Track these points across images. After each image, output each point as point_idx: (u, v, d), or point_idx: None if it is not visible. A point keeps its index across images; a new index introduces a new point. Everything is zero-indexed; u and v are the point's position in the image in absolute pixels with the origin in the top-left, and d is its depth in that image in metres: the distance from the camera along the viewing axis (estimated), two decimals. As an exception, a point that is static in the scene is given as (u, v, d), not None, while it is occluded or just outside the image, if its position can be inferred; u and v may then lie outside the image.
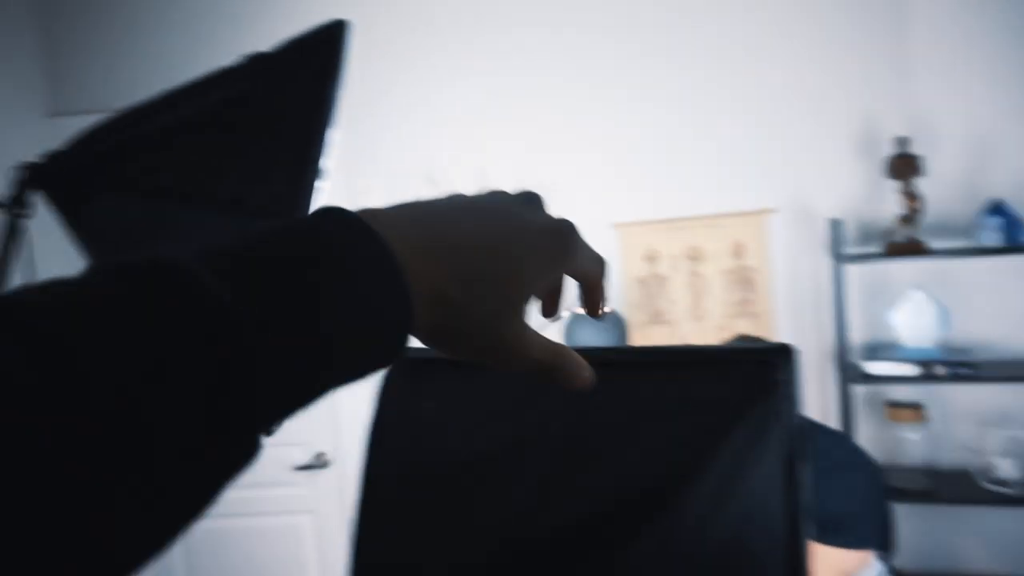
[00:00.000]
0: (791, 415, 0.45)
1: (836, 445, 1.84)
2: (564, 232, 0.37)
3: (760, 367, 0.47)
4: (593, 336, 2.07)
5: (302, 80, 1.18)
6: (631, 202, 2.49)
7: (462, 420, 0.75)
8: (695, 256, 2.49)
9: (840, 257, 2.26)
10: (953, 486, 2.33)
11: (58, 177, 1.15)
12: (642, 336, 2.47)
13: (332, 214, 0.30)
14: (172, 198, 1.17)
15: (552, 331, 2.36)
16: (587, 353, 0.39)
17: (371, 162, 2.52)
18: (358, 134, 2.50)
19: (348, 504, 2.60)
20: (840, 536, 1.65)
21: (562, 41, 2.48)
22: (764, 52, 2.42)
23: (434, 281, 0.32)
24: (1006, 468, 2.28)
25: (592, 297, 0.41)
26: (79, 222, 1.15)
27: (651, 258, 2.50)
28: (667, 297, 2.51)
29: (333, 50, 1.14)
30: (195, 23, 2.51)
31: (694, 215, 2.47)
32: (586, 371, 0.38)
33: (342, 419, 2.58)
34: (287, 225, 0.29)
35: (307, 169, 1.18)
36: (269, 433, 0.26)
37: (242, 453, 0.25)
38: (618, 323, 2.16)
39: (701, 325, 2.50)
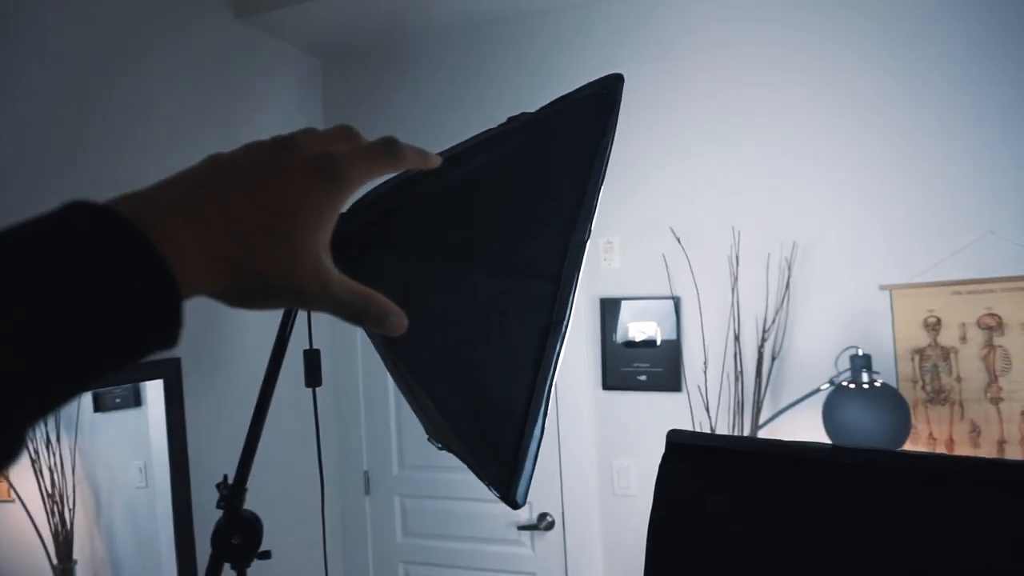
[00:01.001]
0: None
1: None
2: (324, 164, 0.38)
3: None
4: (861, 413, 1.79)
5: (574, 137, 1.14)
6: (902, 262, 2.17)
7: (757, 525, 0.68)
8: (992, 325, 2.09)
9: None
10: None
11: (343, 238, 1.21)
12: (921, 418, 2.11)
13: (84, 207, 0.30)
14: (439, 257, 1.17)
15: (813, 406, 2.09)
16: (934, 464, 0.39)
17: (614, 218, 2.46)
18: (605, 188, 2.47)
19: (572, 568, 2.49)
20: None
21: (818, 97, 2.26)
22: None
23: (209, 245, 0.33)
24: None
25: (406, 165, 0.43)
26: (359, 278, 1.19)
27: (932, 326, 2.15)
28: (953, 373, 2.13)
29: (607, 105, 1.09)
30: None
31: (990, 277, 2.09)
32: (395, 316, 0.41)
33: (569, 482, 2.50)
34: (38, 221, 0.29)
35: (575, 229, 1.13)
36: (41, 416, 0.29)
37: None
38: (895, 401, 1.84)
39: (999, 408, 2.08)
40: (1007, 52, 2.09)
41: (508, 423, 1.11)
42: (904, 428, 1.76)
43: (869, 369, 1.84)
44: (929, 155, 2.16)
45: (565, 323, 1.12)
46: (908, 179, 2.17)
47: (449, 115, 2.63)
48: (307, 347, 1.23)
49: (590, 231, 1.12)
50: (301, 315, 1.27)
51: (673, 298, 2.38)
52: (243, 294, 0.37)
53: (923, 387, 2.15)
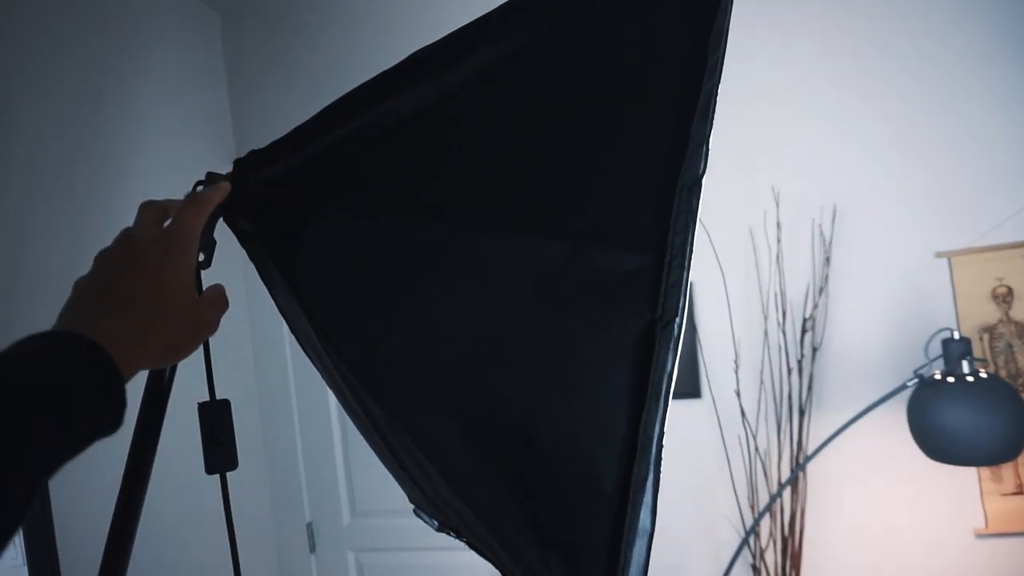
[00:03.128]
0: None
1: None
2: (160, 237, 0.53)
3: None
4: (968, 414, 1.38)
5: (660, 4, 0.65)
6: (963, 223, 1.78)
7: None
8: (1075, 292, 1.73)
9: None
10: None
11: (260, 197, 0.68)
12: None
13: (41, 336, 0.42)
14: (438, 219, 0.67)
15: (894, 409, 1.67)
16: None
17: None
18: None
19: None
20: None
21: (859, 41, 1.85)
22: None
23: (127, 331, 0.47)
24: None
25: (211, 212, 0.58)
26: (290, 265, 0.67)
27: (1004, 297, 1.77)
28: (1030, 352, 1.75)
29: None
30: (381, 52, 2.13)
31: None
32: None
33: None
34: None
35: (684, 161, 0.64)
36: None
37: None
38: (1007, 394, 1.41)
39: (1086, 391, 1.72)
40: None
41: (587, 506, 0.61)
42: (1021, 430, 1.35)
43: (971, 356, 1.42)
44: (984, 102, 1.77)
45: (679, 320, 0.63)
46: (962, 129, 1.79)
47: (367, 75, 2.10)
48: (208, 398, 0.69)
49: (706, 163, 0.64)
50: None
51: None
52: (159, 355, 0.52)
53: (997, 371, 1.77)
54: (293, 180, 0.69)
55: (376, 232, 0.67)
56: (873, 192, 1.82)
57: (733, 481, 1.85)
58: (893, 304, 1.81)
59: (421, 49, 0.69)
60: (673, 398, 1.82)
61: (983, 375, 1.41)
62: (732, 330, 1.86)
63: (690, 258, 0.62)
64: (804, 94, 1.87)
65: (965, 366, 1.41)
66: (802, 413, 1.78)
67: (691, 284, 1.92)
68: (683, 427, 1.92)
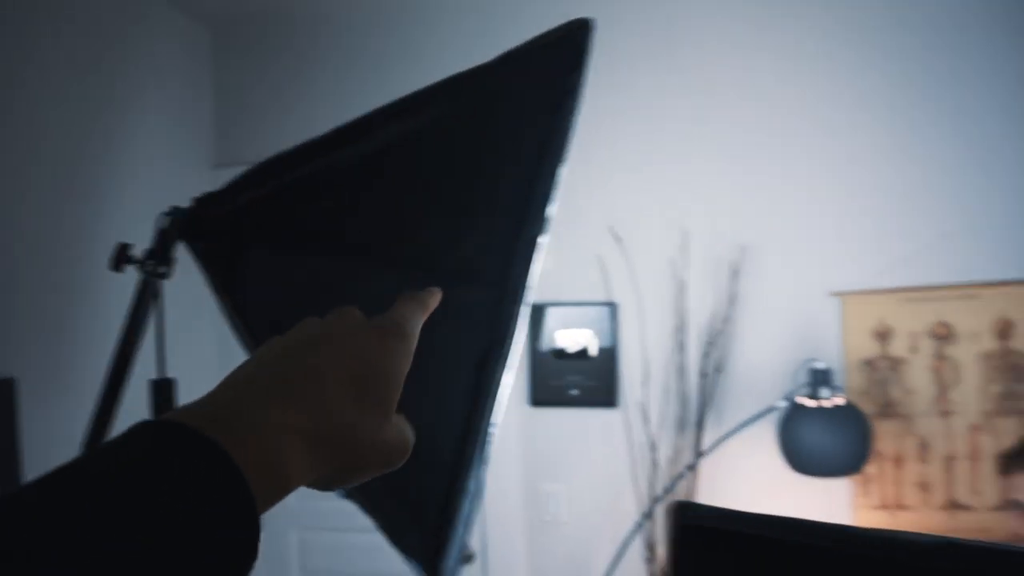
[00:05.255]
0: None
1: None
2: (389, 322, 0.39)
3: None
4: (821, 435, 1.62)
5: (526, 99, 0.87)
6: (854, 267, 2.03)
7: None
8: (942, 335, 1.98)
9: None
10: None
11: (212, 227, 0.90)
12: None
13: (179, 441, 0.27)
14: (341, 256, 0.89)
15: (768, 425, 1.91)
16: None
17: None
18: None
19: (498, 607, 2.23)
20: None
21: (771, 93, 2.10)
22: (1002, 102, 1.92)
23: (306, 438, 0.32)
24: None
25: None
26: (231, 282, 0.88)
27: (883, 335, 2.02)
28: (903, 385, 2.00)
29: (572, 57, 0.83)
30: (365, 74, 2.35)
31: (943, 283, 1.97)
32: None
33: (491, 509, 2.24)
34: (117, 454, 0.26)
35: (526, 221, 0.87)
36: None
37: None
38: (857, 421, 1.67)
39: (948, 422, 1.97)
40: (962, 52, 1.98)
41: (433, 476, 0.83)
42: (865, 449, 1.60)
43: (830, 384, 1.66)
44: (883, 154, 2.02)
45: (508, 342, 0.85)
46: (860, 179, 2.04)
47: (357, 93, 2.31)
48: (157, 376, 0.91)
49: (546, 224, 0.86)
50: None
51: (610, 304, 2.16)
52: (334, 477, 0.35)
53: (873, 400, 2.01)
54: (239, 215, 0.90)
55: (298, 263, 0.88)
56: (779, 235, 2.07)
57: (637, 480, 2.08)
58: (788, 335, 2.06)
59: (343, 124, 0.91)
60: (592, 407, 2.23)
61: (839, 401, 1.65)
62: (645, 349, 2.10)
63: (524, 296, 0.85)
64: (720, 142, 2.11)
65: (825, 392, 1.65)
66: (700, 424, 2.02)
67: (616, 306, 2.15)
68: (600, 432, 2.15)
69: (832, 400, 1.65)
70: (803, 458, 1.61)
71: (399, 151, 0.89)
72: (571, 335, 2.22)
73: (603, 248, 2.15)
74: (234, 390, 0.31)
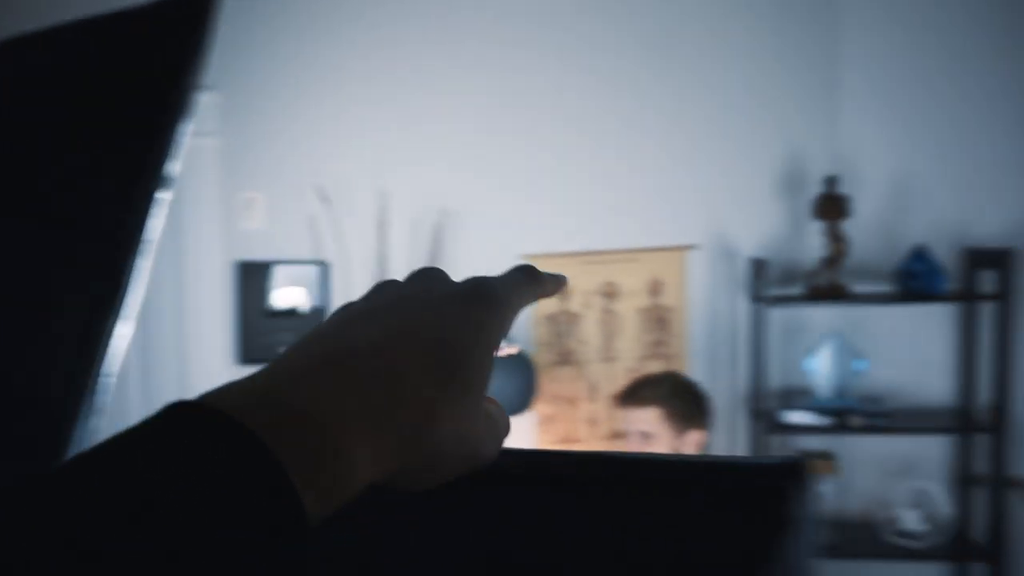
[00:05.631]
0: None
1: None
2: (475, 286, 0.31)
3: (765, 498, 0.33)
4: (497, 380, 1.84)
5: (144, 52, 0.88)
6: (542, 233, 2.29)
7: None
8: (609, 292, 2.31)
9: (760, 299, 2.15)
10: (859, 539, 2.26)
11: None
12: (549, 378, 2.26)
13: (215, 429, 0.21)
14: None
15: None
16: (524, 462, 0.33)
17: (252, 172, 2.19)
18: (236, 134, 2.17)
19: None
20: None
21: (474, 60, 2.26)
22: (689, 85, 2.30)
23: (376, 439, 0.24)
24: (911, 520, 2.22)
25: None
26: None
27: (564, 293, 2.31)
28: (578, 336, 2.31)
29: (196, 12, 0.85)
30: None
31: (610, 249, 2.30)
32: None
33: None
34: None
35: (144, 174, 0.88)
36: None
37: None
38: (526, 365, 1.93)
39: (612, 367, 2.32)
40: (640, 39, 2.29)
41: (39, 417, 0.84)
42: (533, 390, 1.85)
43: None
44: (568, 134, 2.29)
45: (122, 294, 0.87)
46: (549, 154, 2.28)
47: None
48: None
49: (168, 178, 0.89)
50: None
51: (321, 263, 2.21)
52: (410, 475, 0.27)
53: (553, 350, 2.30)
54: None
55: None
56: (479, 200, 2.26)
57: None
58: (485, 293, 2.27)
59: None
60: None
61: (512, 351, 1.89)
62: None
63: (141, 251, 0.87)
64: (423, 110, 2.24)
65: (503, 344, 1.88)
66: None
67: (328, 265, 2.20)
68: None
69: (506, 350, 1.87)
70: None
71: (21, 90, 0.85)
72: (285, 294, 2.24)
73: (315, 208, 2.18)
74: (284, 366, 0.25)
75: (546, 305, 2.29)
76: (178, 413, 0.21)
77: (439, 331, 0.27)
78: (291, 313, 2.22)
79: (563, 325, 2.31)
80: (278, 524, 0.21)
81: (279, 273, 2.22)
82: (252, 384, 0.23)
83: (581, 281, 2.30)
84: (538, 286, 0.34)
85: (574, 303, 2.31)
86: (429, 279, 0.31)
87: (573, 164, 2.29)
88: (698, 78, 2.30)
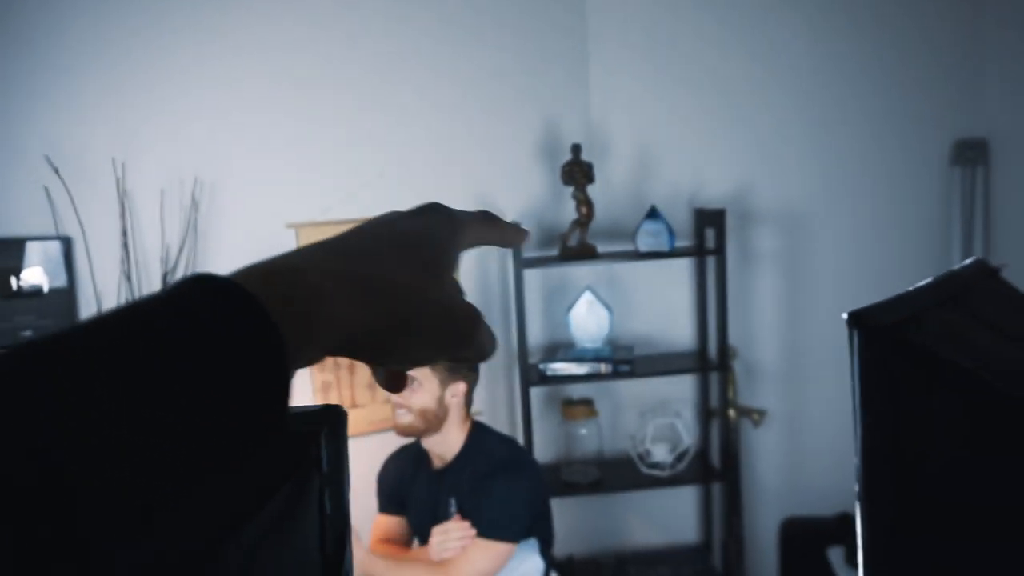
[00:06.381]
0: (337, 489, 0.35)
1: (501, 449, 1.86)
2: (428, 205, 0.39)
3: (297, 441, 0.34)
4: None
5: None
6: (309, 201, 2.26)
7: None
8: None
9: (520, 261, 2.28)
10: (618, 474, 2.51)
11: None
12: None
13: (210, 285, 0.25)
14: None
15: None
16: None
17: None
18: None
19: None
20: (501, 531, 1.68)
21: (222, 22, 2.15)
22: (454, 52, 2.34)
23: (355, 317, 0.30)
24: (659, 453, 2.51)
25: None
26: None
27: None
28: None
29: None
30: None
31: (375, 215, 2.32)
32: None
33: None
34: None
35: None
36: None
37: None
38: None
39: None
40: (425, 8, 2.29)
41: None
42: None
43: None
44: (331, 100, 2.26)
45: None
46: (315, 120, 2.25)
47: None
48: None
49: None
50: None
51: (62, 238, 2.05)
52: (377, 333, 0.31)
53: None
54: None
55: None
56: (236, 169, 2.18)
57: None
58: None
59: None
60: None
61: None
62: (97, 284, 2.07)
63: None
64: (166, 72, 2.12)
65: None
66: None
67: (72, 240, 2.05)
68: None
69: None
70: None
71: None
72: (25, 274, 2.06)
73: (51, 179, 2.01)
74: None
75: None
76: (189, 280, 0.25)
77: (405, 231, 0.35)
78: (35, 294, 2.05)
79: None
80: (256, 348, 0.24)
81: (14, 251, 2.04)
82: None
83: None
84: (495, 229, 0.41)
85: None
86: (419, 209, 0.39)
87: (339, 130, 2.27)
88: (462, 45, 2.36)
